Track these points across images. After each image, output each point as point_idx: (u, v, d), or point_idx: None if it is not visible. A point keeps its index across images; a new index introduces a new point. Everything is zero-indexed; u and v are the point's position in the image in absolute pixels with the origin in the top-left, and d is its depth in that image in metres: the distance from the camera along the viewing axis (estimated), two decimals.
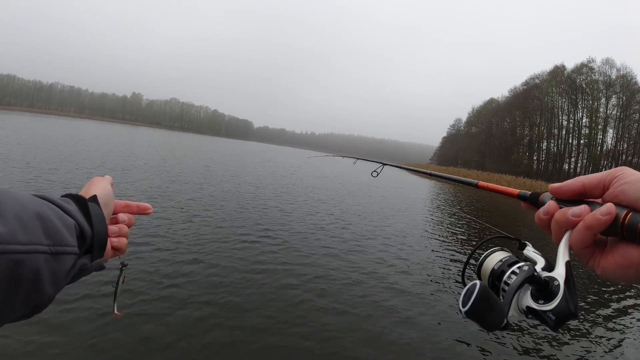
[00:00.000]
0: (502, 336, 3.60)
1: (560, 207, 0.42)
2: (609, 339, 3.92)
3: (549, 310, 0.39)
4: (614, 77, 43.11)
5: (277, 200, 9.77)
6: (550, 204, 0.43)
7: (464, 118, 76.22)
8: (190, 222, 6.18)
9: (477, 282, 0.42)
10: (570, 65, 48.45)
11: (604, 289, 5.63)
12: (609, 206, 0.36)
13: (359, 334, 3.25)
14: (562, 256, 0.41)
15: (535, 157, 51.73)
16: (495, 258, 0.51)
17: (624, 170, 0.38)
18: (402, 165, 1.04)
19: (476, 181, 0.69)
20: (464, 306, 0.41)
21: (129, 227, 0.59)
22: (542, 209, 0.44)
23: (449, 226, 10.10)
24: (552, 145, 49.42)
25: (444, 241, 7.87)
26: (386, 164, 1.16)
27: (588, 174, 0.40)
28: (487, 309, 0.41)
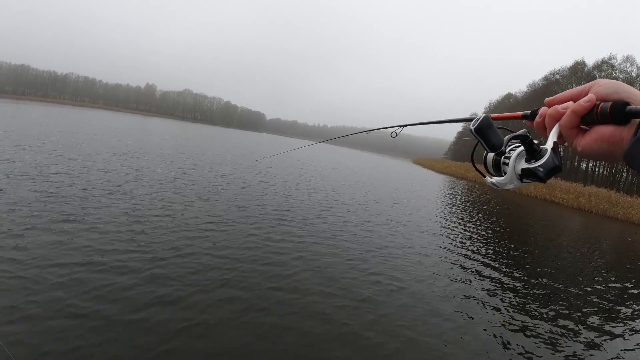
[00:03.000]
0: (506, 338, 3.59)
1: None
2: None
3: (539, 165, 0.48)
4: (635, 75, 41.39)
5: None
6: (544, 108, 0.55)
7: (480, 113, 74.30)
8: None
9: (484, 113, 0.51)
10: (590, 61, 46.53)
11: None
12: (591, 96, 0.48)
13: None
14: (551, 138, 0.51)
15: None
16: None
17: (600, 80, 0.50)
18: (423, 121, 1.06)
19: (488, 115, 0.73)
20: (472, 125, 0.52)
21: None
22: (538, 115, 0.56)
23: (457, 213, 10.04)
24: None
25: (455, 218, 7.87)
26: (406, 125, 1.17)
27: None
28: (489, 130, 0.52)
